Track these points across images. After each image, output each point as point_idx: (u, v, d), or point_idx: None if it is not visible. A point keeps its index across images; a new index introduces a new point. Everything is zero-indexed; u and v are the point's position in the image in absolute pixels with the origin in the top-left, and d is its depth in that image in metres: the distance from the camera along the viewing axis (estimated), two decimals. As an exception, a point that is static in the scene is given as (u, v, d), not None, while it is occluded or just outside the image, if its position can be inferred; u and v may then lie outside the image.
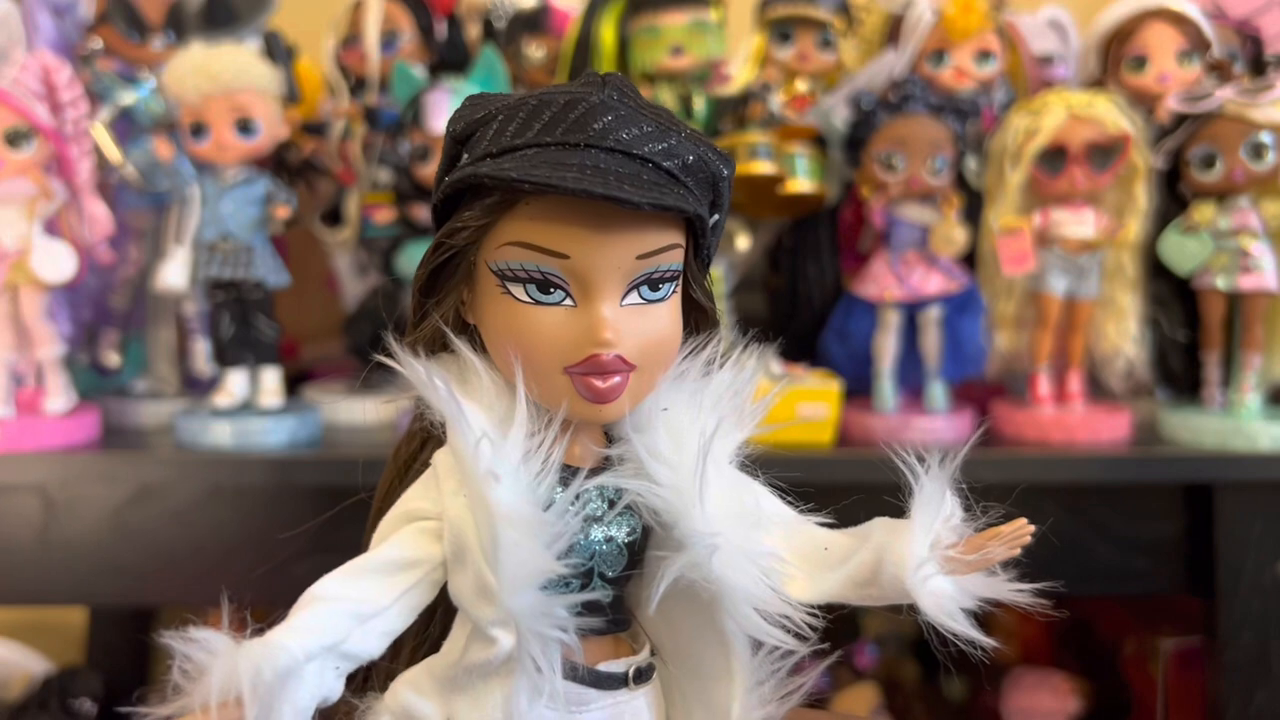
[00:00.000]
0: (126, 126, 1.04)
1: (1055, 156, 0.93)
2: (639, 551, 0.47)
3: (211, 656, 0.40)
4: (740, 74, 1.09)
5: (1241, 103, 0.93)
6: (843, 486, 0.89)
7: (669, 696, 0.50)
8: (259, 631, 0.42)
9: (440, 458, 0.46)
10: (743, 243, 1.03)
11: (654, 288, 0.45)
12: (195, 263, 0.94)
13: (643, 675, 0.48)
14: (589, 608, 0.46)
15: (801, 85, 1.07)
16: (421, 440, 0.50)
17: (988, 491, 0.98)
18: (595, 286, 0.44)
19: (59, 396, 0.94)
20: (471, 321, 0.48)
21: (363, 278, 1.12)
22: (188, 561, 0.95)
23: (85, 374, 1.06)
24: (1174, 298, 0.99)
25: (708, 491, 0.45)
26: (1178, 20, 1.05)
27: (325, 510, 0.94)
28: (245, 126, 0.92)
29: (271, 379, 0.96)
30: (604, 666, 0.47)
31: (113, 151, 1.01)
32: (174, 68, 0.93)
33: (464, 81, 0.97)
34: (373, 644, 0.44)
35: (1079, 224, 0.94)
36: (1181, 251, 0.95)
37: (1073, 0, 1.23)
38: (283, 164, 1.06)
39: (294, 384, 1.07)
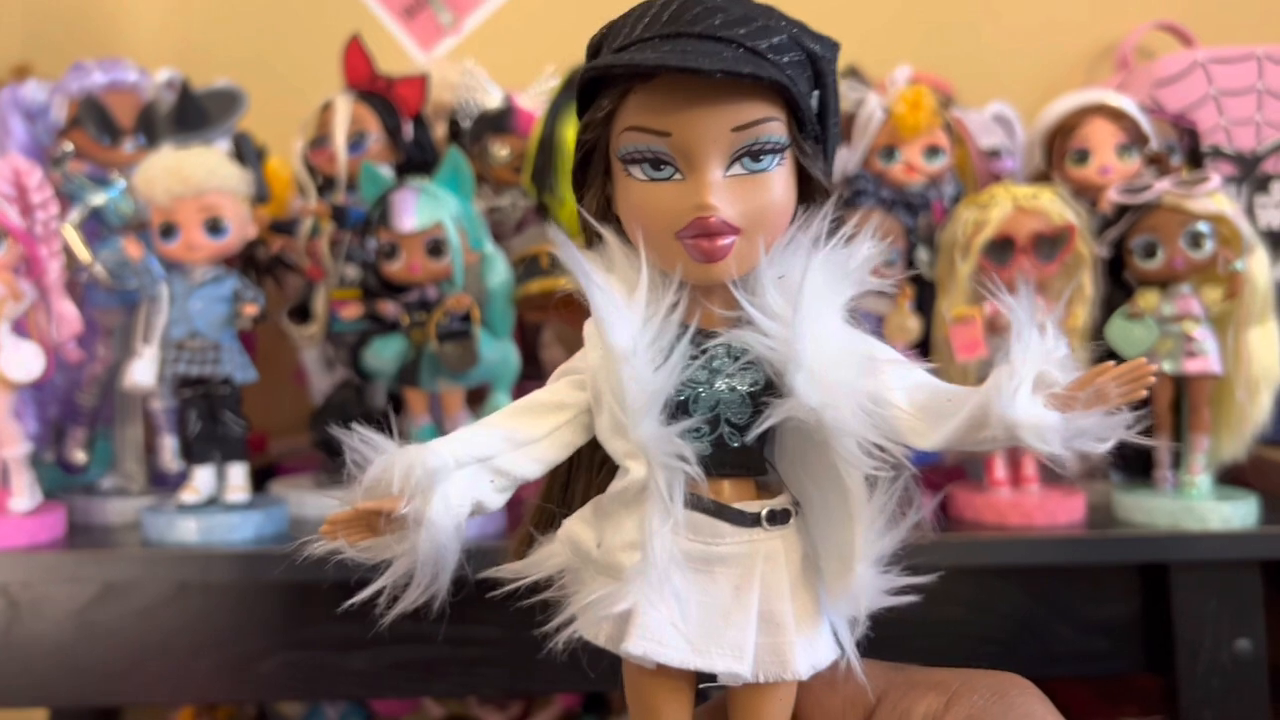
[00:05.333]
0: (96, 226, 1.06)
1: (1003, 247, 0.96)
2: (762, 401, 0.50)
3: (374, 453, 0.47)
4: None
5: (1179, 194, 0.97)
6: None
7: (807, 546, 0.52)
8: None
9: (588, 326, 0.51)
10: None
11: (755, 159, 0.49)
12: (163, 360, 0.95)
13: (776, 517, 0.51)
14: (721, 452, 0.50)
15: (758, 181, 1.11)
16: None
17: (949, 574, 0.99)
18: (698, 159, 0.48)
19: (23, 496, 0.94)
20: (617, 213, 0.53)
21: (330, 372, 1.13)
22: (153, 659, 0.95)
23: (51, 471, 1.06)
24: (1123, 382, 1.02)
25: (814, 339, 0.48)
26: (1117, 116, 1.10)
27: (293, 605, 0.95)
28: (215, 227, 0.94)
29: (238, 475, 0.97)
30: (738, 505, 0.51)
31: (82, 251, 1.02)
32: (144, 170, 0.95)
33: (429, 181, 1.00)
34: (526, 466, 0.51)
35: (1028, 312, 0.97)
36: (1128, 337, 0.98)
37: (1018, 95, 1.28)
38: (252, 261, 1.08)
39: (262, 478, 1.08)
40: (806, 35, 0.50)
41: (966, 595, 0.97)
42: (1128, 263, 1.00)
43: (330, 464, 1.08)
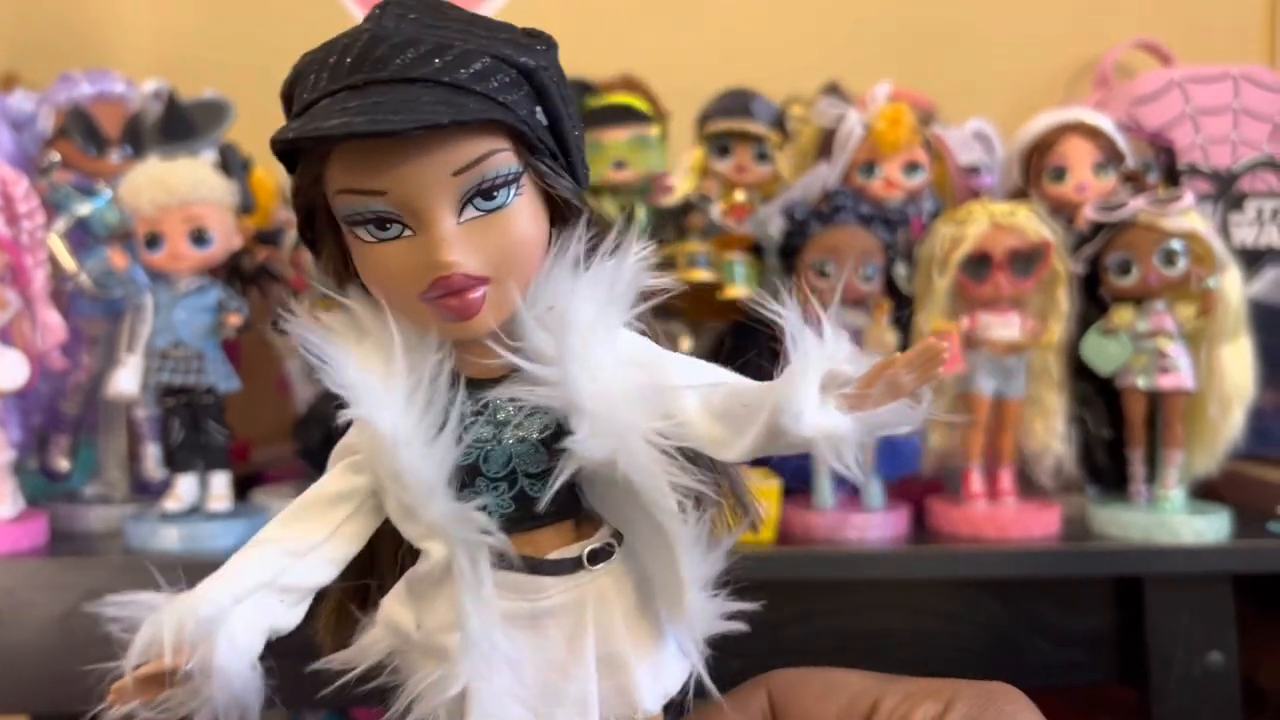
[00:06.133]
0: (82, 236, 1.06)
1: (980, 263, 0.97)
2: (557, 447, 0.46)
3: (142, 614, 0.44)
4: (681, 185, 1.13)
5: (1153, 212, 0.98)
6: (785, 583, 0.91)
7: (637, 572, 0.50)
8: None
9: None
10: (685, 345, 1.06)
11: (488, 197, 0.45)
12: (147, 369, 0.95)
13: (599, 556, 0.49)
14: (526, 505, 0.47)
15: (740, 196, 1.12)
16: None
17: (926, 586, 1.00)
18: (423, 212, 0.44)
19: (6, 503, 0.95)
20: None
21: (313, 382, 1.13)
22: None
23: (34, 479, 1.06)
24: (1097, 397, 1.03)
25: (590, 376, 0.45)
26: (1093, 134, 1.11)
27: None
28: (200, 238, 0.94)
29: (220, 483, 0.97)
30: (556, 554, 0.48)
31: (68, 261, 1.03)
32: (130, 180, 0.95)
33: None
34: (317, 573, 0.47)
35: (1005, 327, 0.98)
36: (1102, 353, 0.99)
37: (998, 112, 1.29)
38: (237, 271, 1.08)
39: (245, 486, 1.08)
40: (514, 49, 0.45)
41: (942, 607, 0.98)
42: (1103, 279, 1.01)
43: (313, 473, 1.08)
